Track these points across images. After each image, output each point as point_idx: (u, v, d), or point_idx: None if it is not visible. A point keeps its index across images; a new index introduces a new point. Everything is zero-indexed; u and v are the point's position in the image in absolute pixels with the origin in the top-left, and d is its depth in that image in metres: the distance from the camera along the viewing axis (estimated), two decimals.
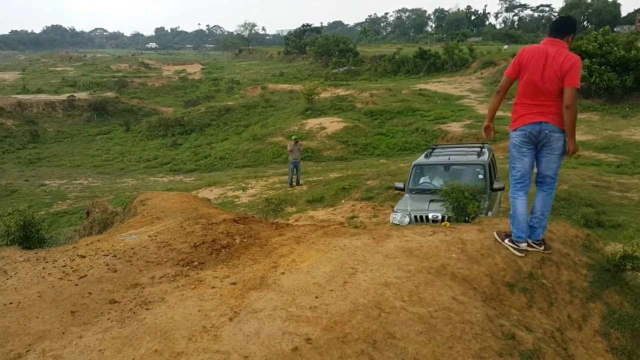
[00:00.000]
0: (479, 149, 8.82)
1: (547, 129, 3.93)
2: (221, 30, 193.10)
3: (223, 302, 3.47)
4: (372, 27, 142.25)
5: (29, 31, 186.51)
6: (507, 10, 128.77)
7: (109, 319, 3.34)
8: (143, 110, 41.51)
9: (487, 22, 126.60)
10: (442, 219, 6.55)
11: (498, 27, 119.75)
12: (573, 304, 3.82)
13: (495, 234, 4.36)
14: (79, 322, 3.31)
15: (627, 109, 24.39)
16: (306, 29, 78.43)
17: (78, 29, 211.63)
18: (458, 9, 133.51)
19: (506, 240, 4.22)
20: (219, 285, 3.80)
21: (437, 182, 8.29)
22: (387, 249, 4.26)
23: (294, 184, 16.69)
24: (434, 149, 9.43)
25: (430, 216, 7.19)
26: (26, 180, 24.30)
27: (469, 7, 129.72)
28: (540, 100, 3.94)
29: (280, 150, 24.14)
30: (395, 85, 37.69)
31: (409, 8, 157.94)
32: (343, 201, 13.29)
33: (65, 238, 7.12)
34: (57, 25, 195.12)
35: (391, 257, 4.09)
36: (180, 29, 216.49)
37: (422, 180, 8.55)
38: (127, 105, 41.75)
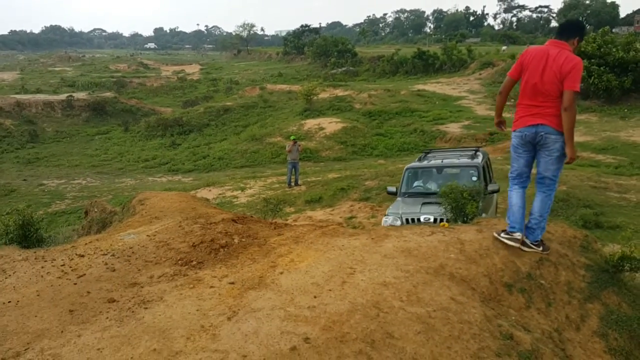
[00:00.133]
0: (472, 152, 8.81)
1: (543, 131, 3.93)
2: (220, 31, 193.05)
3: (221, 302, 3.47)
4: (371, 28, 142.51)
5: (28, 31, 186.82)
6: (506, 11, 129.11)
7: (107, 318, 3.33)
8: (142, 110, 41.47)
9: (485, 23, 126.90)
10: (435, 222, 6.54)
11: (496, 28, 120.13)
12: (571, 305, 3.82)
13: (494, 233, 4.38)
14: (78, 321, 3.31)
15: (626, 110, 24.46)
16: (305, 30, 78.37)
17: (77, 29, 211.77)
18: (457, 10, 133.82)
19: (502, 234, 4.25)
20: (217, 285, 3.80)
21: (431, 185, 8.27)
22: (386, 249, 4.27)
23: (293, 184, 16.70)
24: (427, 153, 9.44)
25: (422, 219, 7.13)
26: (25, 180, 24.25)
27: (467, 8, 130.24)
28: (539, 101, 3.93)
29: (279, 151, 24.11)
30: (394, 86, 37.72)
31: (408, 9, 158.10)
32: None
33: (63, 237, 7.11)
34: (56, 25, 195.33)
35: (389, 257, 4.09)
36: (179, 30, 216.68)
37: (415, 183, 8.53)
38: (125, 106, 41.72)
